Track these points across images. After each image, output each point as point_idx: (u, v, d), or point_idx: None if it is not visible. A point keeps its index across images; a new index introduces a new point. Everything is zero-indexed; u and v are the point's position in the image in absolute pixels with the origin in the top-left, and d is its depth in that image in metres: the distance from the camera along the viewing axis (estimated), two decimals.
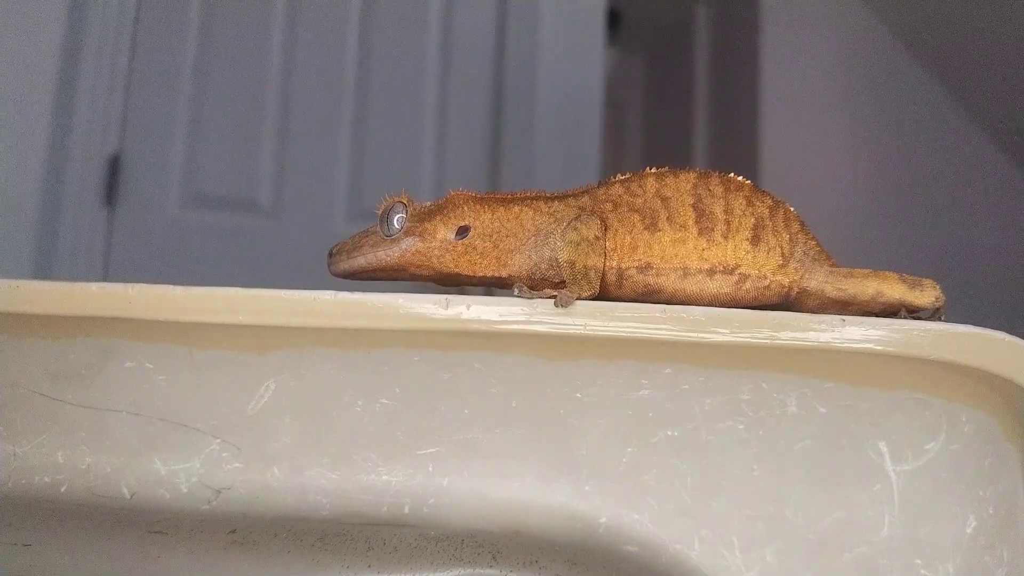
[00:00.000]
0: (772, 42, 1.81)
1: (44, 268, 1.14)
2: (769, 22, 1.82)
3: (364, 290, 0.22)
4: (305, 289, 0.22)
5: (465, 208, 0.24)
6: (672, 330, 0.21)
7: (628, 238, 0.23)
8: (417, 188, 1.32)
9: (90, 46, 1.21)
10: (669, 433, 0.26)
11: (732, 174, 0.24)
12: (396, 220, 0.24)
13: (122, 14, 1.27)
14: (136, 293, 0.22)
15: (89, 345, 0.24)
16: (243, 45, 1.34)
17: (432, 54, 1.40)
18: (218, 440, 0.25)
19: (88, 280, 0.22)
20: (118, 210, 1.25)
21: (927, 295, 0.23)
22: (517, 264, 0.24)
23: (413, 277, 0.25)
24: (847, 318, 0.21)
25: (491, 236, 0.24)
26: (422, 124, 1.38)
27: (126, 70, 1.27)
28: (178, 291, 0.22)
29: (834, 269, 0.24)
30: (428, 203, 0.25)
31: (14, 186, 1.10)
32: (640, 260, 0.23)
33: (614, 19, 2.17)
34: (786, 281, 0.24)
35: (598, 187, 0.25)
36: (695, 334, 0.21)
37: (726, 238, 0.23)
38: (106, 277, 1.16)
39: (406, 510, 0.25)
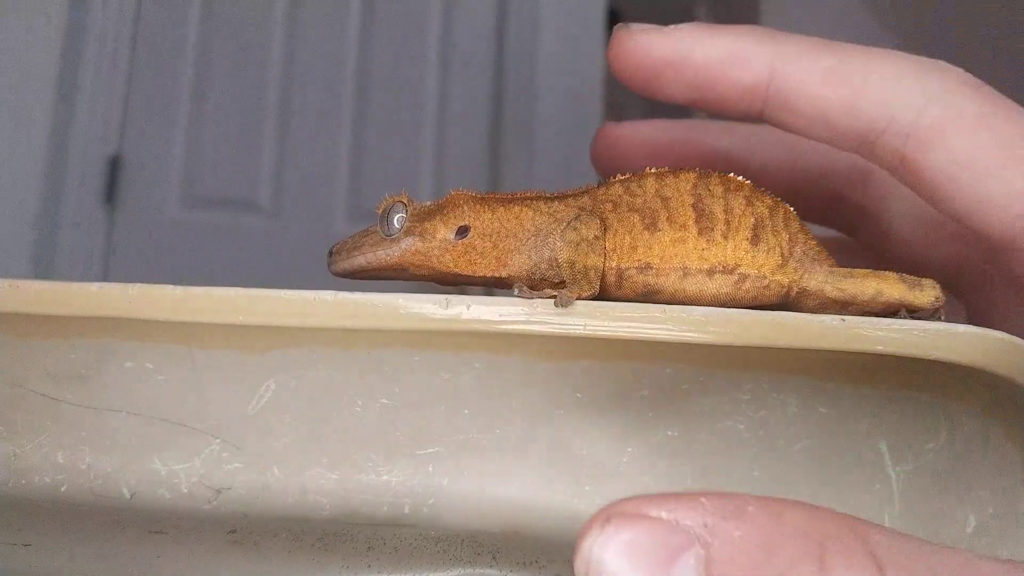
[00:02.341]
0: None
1: (44, 268, 1.14)
2: (769, 22, 1.82)
3: (364, 290, 0.22)
4: (305, 289, 0.22)
5: (465, 208, 0.24)
6: (672, 330, 0.21)
7: (628, 238, 0.23)
8: (417, 188, 1.32)
9: (90, 46, 1.22)
10: (669, 433, 0.26)
11: (731, 174, 0.24)
12: (396, 220, 0.24)
13: (122, 14, 1.27)
14: (136, 293, 0.21)
15: (89, 345, 0.24)
16: (243, 45, 1.34)
17: (432, 54, 1.40)
18: (218, 440, 0.25)
19: (88, 280, 0.22)
20: (118, 210, 1.26)
21: (927, 295, 0.23)
22: (517, 264, 0.24)
23: (413, 277, 0.25)
24: (847, 318, 0.21)
25: (491, 236, 0.24)
26: (422, 124, 1.38)
27: (126, 70, 1.27)
28: (178, 291, 0.22)
29: (834, 269, 0.24)
30: (428, 203, 0.25)
31: (14, 186, 1.10)
32: (640, 260, 0.23)
33: (614, 19, 2.16)
34: (785, 281, 0.23)
35: (598, 187, 0.24)
36: (695, 334, 0.21)
37: (726, 238, 0.23)
38: (106, 277, 1.16)
39: (406, 510, 0.25)
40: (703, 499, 0.15)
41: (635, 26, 0.26)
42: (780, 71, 0.24)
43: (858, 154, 0.25)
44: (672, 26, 0.26)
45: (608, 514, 0.15)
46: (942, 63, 0.24)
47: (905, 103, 0.23)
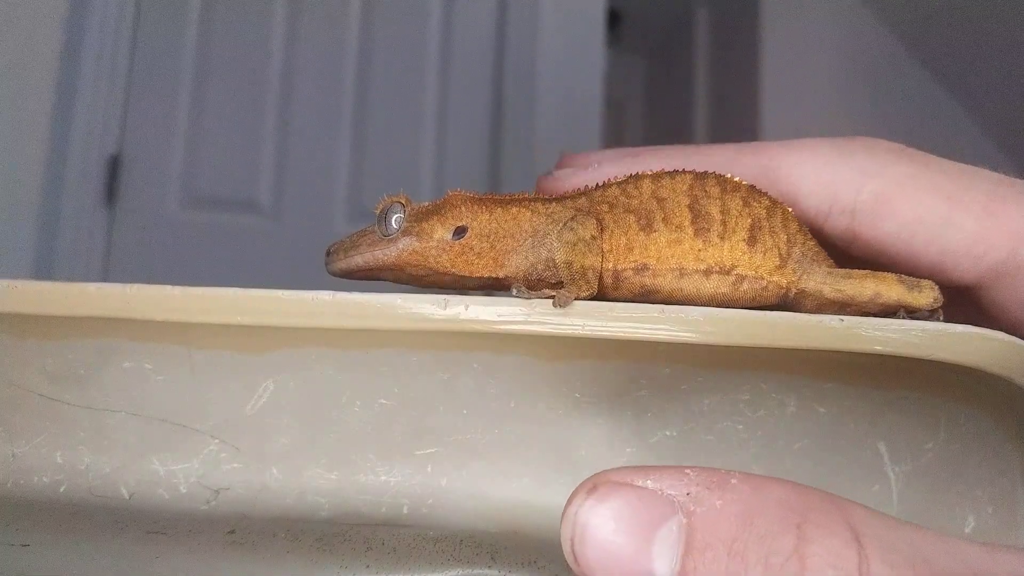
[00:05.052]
0: (772, 42, 1.81)
1: (44, 268, 1.13)
2: (769, 22, 1.82)
3: (363, 290, 0.21)
4: (305, 289, 0.22)
5: (462, 208, 0.24)
6: (670, 330, 0.21)
7: (624, 239, 0.23)
8: (417, 188, 1.32)
9: (90, 46, 1.22)
10: (667, 433, 0.26)
11: (729, 175, 0.24)
12: (394, 220, 0.24)
13: (122, 14, 1.27)
14: (134, 293, 0.21)
15: (87, 345, 0.24)
16: (243, 45, 1.34)
17: (432, 54, 1.40)
18: (217, 440, 0.25)
19: (88, 280, 0.22)
20: (118, 210, 1.26)
21: (925, 296, 0.23)
22: (514, 265, 0.24)
23: (410, 277, 0.25)
24: (845, 318, 0.21)
25: (488, 237, 0.24)
26: (422, 124, 1.38)
27: (126, 70, 1.27)
28: (176, 291, 0.21)
29: (832, 270, 0.24)
30: (426, 203, 0.25)
31: (14, 186, 1.10)
32: (636, 261, 0.23)
33: (614, 19, 2.17)
34: (783, 282, 0.23)
35: (595, 189, 0.25)
36: (693, 334, 0.21)
37: (722, 239, 0.23)
38: (106, 277, 1.17)
39: (404, 510, 0.25)
40: (688, 471, 0.15)
41: (558, 172, 0.27)
42: None
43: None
44: (594, 160, 0.27)
45: (595, 482, 0.15)
46: (864, 139, 0.25)
47: (842, 185, 0.24)
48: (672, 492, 0.15)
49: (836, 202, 0.24)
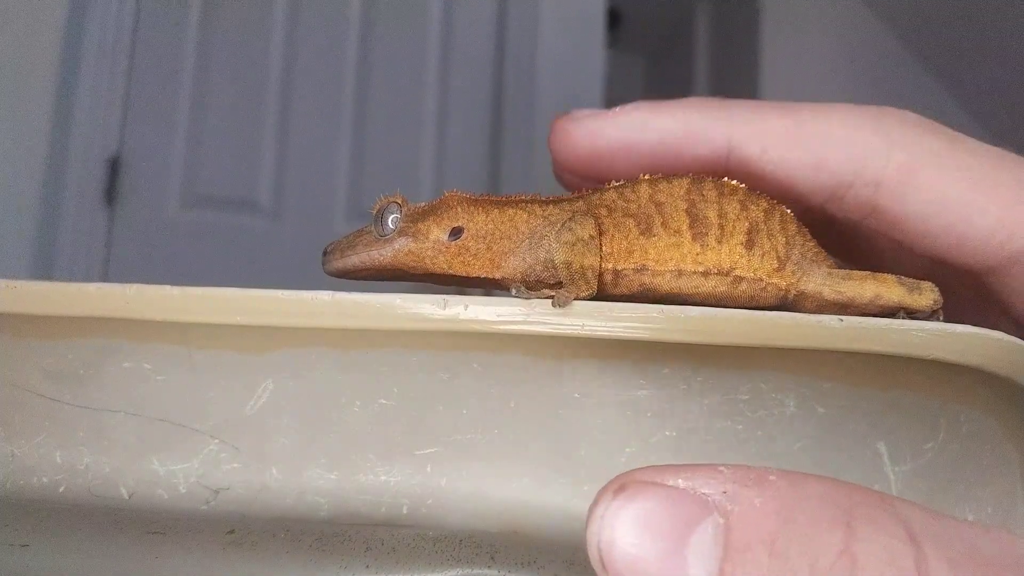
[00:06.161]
0: (772, 42, 1.81)
1: (44, 268, 1.13)
2: (769, 22, 1.82)
3: (362, 290, 0.22)
4: (304, 289, 0.22)
5: (459, 209, 0.24)
6: (669, 330, 0.21)
7: (624, 243, 0.23)
8: (417, 188, 1.32)
9: (90, 46, 1.21)
10: (667, 433, 0.26)
11: (726, 178, 0.24)
12: (390, 220, 0.24)
13: (122, 14, 1.26)
14: (134, 293, 0.21)
15: (87, 345, 0.24)
16: (243, 45, 1.34)
17: (432, 54, 1.40)
18: (216, 440, 0.25)
19: (88, 280, 0.22)
20: (118, 210, 1.25)
21: (925, 297, 0.23)
22: (511, 266, 0.24)
23: (408, 277, 0.25)
24: (844, 318, 0.21)
25: (485, 238, 0.24)
26: (422, 124, 1.38)
27: (126, 70, 1.27)
28: (176, 291, 0.22)
29: (832, 271, 0.24)
30: (423, 204, 0.25)
31: (14, 186, 1.10)
32: (636, 263, 0.23)
33: (614, 19, 2.17)
34: (783, 284, 0.23)
35: (592, 192, 0.25)
36: (693, 334, 0.21)
37: (720, 243, 0.23)
38: (106, 277, 1.17)
39: (404, 510, 0.25)
40: (722, 468, 0.14)
41: (578, 112, 0.26)
42: (739, 141, 0.25)
43: (826, 208, 0.25)
44: (617, 108, 0.26)
45: (622, 482, 0.14)
46: (893, 109, 0.24)
47: (870, 153, 0.23)
48: (706, 491, 0.14)
49: (862, 172, 0.23)
